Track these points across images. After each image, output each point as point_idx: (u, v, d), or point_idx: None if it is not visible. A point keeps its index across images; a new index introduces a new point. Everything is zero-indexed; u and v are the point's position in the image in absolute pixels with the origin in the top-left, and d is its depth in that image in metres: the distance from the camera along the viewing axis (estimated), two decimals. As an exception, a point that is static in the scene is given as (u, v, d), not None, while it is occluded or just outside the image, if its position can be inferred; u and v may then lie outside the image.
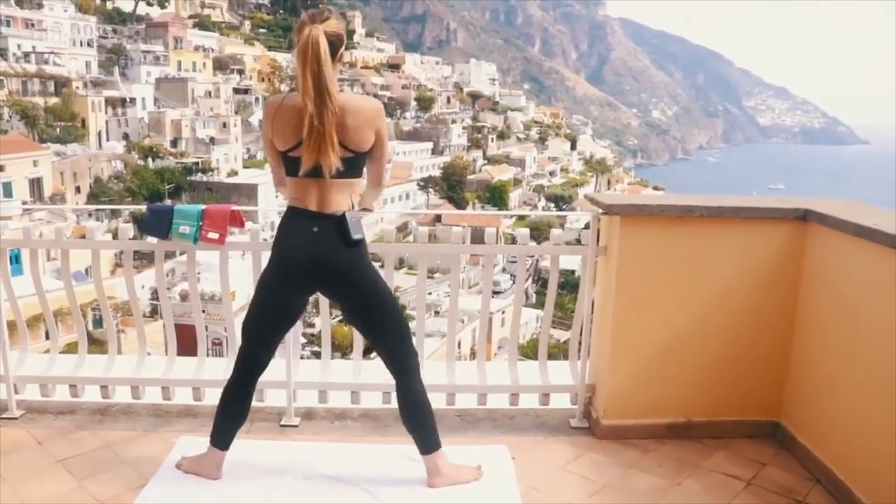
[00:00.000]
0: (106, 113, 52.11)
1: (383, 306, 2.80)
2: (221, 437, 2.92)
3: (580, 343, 3.60)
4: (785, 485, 3.05)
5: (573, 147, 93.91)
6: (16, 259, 3.47)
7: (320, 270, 2.68)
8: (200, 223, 3.33)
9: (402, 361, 2.86)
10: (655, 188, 78.65)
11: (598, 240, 3.46)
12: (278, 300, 2.77)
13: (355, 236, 2.65)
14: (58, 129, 47.95)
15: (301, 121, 2.52)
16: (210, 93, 60.75)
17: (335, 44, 2.57)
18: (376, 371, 3.24)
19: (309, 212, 2.65)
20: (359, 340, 3.56)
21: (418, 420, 2.90)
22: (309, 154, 2.54)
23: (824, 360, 3.14)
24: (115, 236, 3.57)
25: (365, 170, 2.77)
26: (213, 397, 3.48)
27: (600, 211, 3.39)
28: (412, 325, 3.16)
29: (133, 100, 54.56)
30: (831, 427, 3.07)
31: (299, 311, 2.86)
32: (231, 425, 2.92)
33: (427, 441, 2.91)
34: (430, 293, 31.94)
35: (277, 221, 2.77)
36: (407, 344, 2.87)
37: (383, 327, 2.84)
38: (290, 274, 2.71)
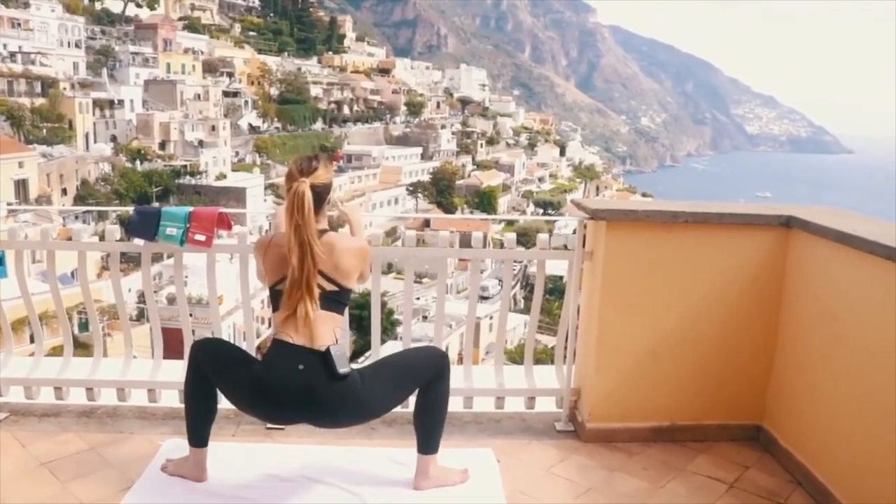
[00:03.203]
0: (93, 115, 51.76)
1: (390, 393, 2.81)
2: (195, 436, 2.91)
3: (566, 347, 3.62)
4: (767, 487, 3.08)
5: (562, 153, 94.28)
6: (1, 261, 3.45)
7: (309, 406, 2.66)
8: (187, 225, 3.33)
9: (434, 375, 2.89)
10: (644, 195, 78.94)
11: (584, 245, 3.49)
12: (232, 389, 2.78)
13: (341, 370, 2.64)
14: (44, 131, 47.59)
15: (285, 261, 2.64)
16: (199, 95, 60.52)
17: (321, 193, 2.72)
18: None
19: (294, 346, 2.65)
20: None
21: (435, 420, 2.93)
22: (289, 303, 2.63)
23: (806, 365, 3.17)
24: (101, 238, 3.57)
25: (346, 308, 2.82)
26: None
27: (586, 216, 3.42)
28: (399, 330, 3.17)
29: (121, 102, 54.26)
30: (813, 430, 3.10)
31: (237, 404, 2.88)
32: (201, 422, 2.91)
33: (432, 442, 2.93)
34: (418, 298, 31.93)
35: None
36: (431, 364, 2.90)
37: (400, 397, 2.90)
38: (267, 401, 2.67)
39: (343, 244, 2.72)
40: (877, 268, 2.66)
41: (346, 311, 2.82)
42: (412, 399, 2.96)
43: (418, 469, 2.94)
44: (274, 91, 70.91)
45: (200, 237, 3.33)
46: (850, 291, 2.89)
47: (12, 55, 50.91)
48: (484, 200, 65.10)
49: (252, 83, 70.13)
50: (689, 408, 3.46)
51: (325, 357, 2.64)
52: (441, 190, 65.78)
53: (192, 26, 75.00)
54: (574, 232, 3.51)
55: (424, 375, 2.88)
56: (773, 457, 3.32)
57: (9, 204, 34.58)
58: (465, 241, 3.65)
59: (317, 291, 2.63)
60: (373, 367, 2.86)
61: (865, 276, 2.78)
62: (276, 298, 2.73)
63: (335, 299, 2.70)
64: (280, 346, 2.68)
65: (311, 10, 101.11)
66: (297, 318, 2.65)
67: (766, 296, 3.37)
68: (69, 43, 58.26)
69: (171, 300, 20.08)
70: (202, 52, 69.63)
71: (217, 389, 2.87)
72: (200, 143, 54.48)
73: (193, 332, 3.68)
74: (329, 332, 2.68)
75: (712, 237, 3.34)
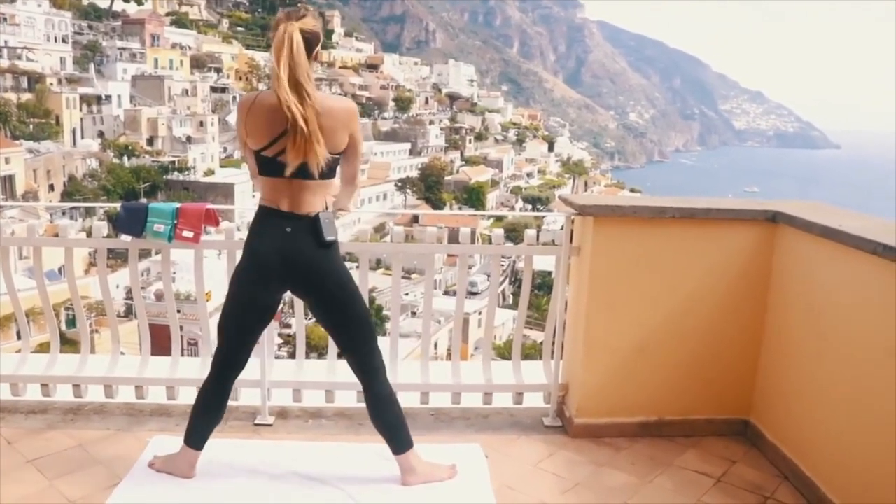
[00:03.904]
0: (81, 110, 51.42)
1: (352, 307, 2.80)
2: (196, 438, 2.91)
3: (553, 343, 3.63)
4: (754, 482, 3.10)
5: (551, 149, 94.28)
6: (-13, 257, 3.43)
7: (292, 269, 2.68)
8: (175, 221, 3.32)
9: (367, 361, 2.86)
10: (632, 190, 79.22)
11: (571, 240, 3.49)
12: (252, 299, 2.76)
13: (328, 237, 2.65)
14: (31, 126, 47.24)
15: (275, 119, 2.51)
16: (187, 91, 60.23)
17: (311, 41, 2.57)
18: (351, 370, 3.25)
19: (281, 212, 2.64)
20: (334, 340, 3.56)
21: (388, 420, 2.91)
22: (295, 154, 2.52)
23: (793, 359, 3.20)
24: (88, 234, 3.55)
25: (339, 169, 2.77)
26: (186, 396, 3.48)
27: (574, 212, 3.42)
28: (388, 325, 3.17)
29: (108, 97, 53.90)
30: (799, 425, 3.12)
31: (273, 309, 2.86)
32: (206, 426, 2.91)
33: (399, 441, 2.92)
34: (406, 294, 31.91)
35: (252, 219, 2.76)
36: (372, 345, 2.87)
37: (350, 327, 2.84)
38: (262, 272, 2.70)
39: (329, 104, 2.59)
40: (863, 263, 2.68)
41: (338, 172, 2.75)
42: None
43: (402, 467, 2.93)
44: (262, 86, 70.57)
45: (188, 233, 3.32)
46: (837, 286, 2.91)
47: (-2, 50, 50.51)
48: (473, 196, 65.13)
49: (240, 79, 69.83)
50: (677, 403, 3.48)
51: (314, 222, 2.62)
52: (430, 186, 65.76)
53: (180, 21, 74.59)
54: (562, 228, 3.52)
55: (369, 339, 2.84)
56: (760, 451, 3.34)
57: (-5, 200, 34.29)
58: (454, 237, 3.66)
59: (322, 140, 2.52)
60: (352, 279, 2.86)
61: (851, 271, 2.80)
62: (263, 164, 2.63)
63: (325, 166, 2.61)
64: (267, 211, 2.66)
65: (299, 5, 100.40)
66: (285, 185, 2.58)
67: (753, 291, 3.39)
68: (56, 38, 57.83)
69: (159, 296, 19.97)
70: (190, 48, 69.24)
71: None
72: (188, 138, 54.22)
73: (181, 328, 3.67)
74: (320, 199, 2.66)
75: (699, 232, 3.36)
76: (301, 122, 2.47)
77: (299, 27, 2.53)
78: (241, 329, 2.81)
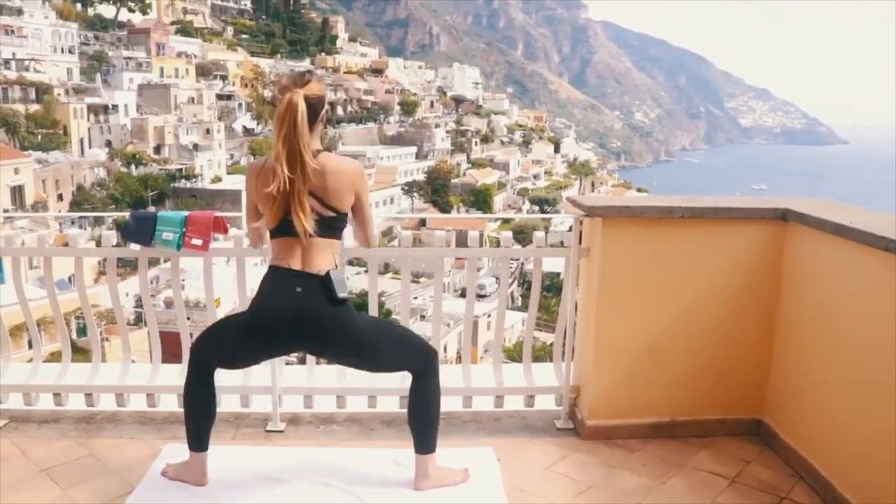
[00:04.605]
0: (88, 120, 51.65)
1: (379, 346, 2.80)
2: (195, 440, 2.91)
3: (564, 345, 3.62)
4: (768, 482, 3.08)
5: (557, 150, 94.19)
6: (-3, 268, 3.45)
7: (304, 329, 2.65)
8: (184, 229, 3.32)
9: (420, 367, 2.87)
10: (639, 190, 79.04)
11: (580, 241, 3.49)
12: (249, 353, 2.79)
13: (340, 295, 2.64)
14: (39, 137, 47.52)
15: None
16: (193, 99, 60.45)
17: (316, 107, 2.61)
18: (361, 375, 3.25)
19: (292, 271, 2.64)
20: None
21: (427, 419, 2.91)
22: (273, 216, 2.58)
23: (805, 358, 3.18)
24: (98, 244, 3.56)
25: (351, 229, 2.81)
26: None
27: (582, 213, 3.42)
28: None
29: (115, 106, 54.16)
30: (814, 424, 3.10)
31: (254, 362, 2.94)
32: (202, 425, 2.90)
33: (427, 441, 2.92)
34: (415, 297, 31.90)
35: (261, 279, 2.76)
36: (420, 354, 2.89)
37: (383, 362, 2.87)
38: (270, 333, 2.68)
39: (335, 164, 2.63)
40: (875, 260, 2.67)
41: (343, 236, 2.77)
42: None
43: (417, 470, 2.93)
44: (267, 93, 70.78)
45: (197, 241, 3.32)
46: (849, 284, 2.89)
47: (6, 62, 50.82)
48: (479, 199, 65.08)
49: (245, 86, 70.04)
50: (689, 403, 3.47)
51: (324, 281, 2.62)
52: (436, 189, 65.73)
53: (185, 30, 74.92)
54: (570, 229, 3.51)
55: (414, 357, 2.86)
56: (774, 451, 3.32)
57: (5, 210, 34.49)
58: (462, 240, 3.66)
59: (309, 207, 2.55)
60: (371, 317, 2.87)
61: (863, 268, 2.79)
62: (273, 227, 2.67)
63: (332, 225, 2.65)
64: (277, 271, 2.67)
65: (303, 11, 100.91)
66: (295, 245, 2.60)
67: (764, 289, 3.38)
68: (63, 49, 58.11)
69: (169, 304, 20.05)
70: (195, 56, 69.51)
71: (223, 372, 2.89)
72: (195, 146, 54.41)
73: (191, 335, 3.67)
74: (329, 257, 2.66)
75: (708, 231, 3.34)
76: (284, 189, 2.51)
77: (304, 94, 2.56)
78: (214, 359, 2.85)
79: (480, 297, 32.22)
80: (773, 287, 3.36)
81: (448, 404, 3.65)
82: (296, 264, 2.64)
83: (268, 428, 3.47)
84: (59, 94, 51.53)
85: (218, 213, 3.39)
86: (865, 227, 2.74)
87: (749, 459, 3.27)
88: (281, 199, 2.55)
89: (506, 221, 49.97)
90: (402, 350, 2.87)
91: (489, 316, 27.04)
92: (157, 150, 53.07)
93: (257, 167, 2.67)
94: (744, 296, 3.39)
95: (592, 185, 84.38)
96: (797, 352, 3.24)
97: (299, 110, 2.51)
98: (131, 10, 72.43)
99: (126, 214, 3.52)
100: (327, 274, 2.63)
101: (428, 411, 2.91)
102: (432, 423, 2.92)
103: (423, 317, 31.03)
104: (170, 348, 3.77)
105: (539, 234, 3.59)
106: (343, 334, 2.68)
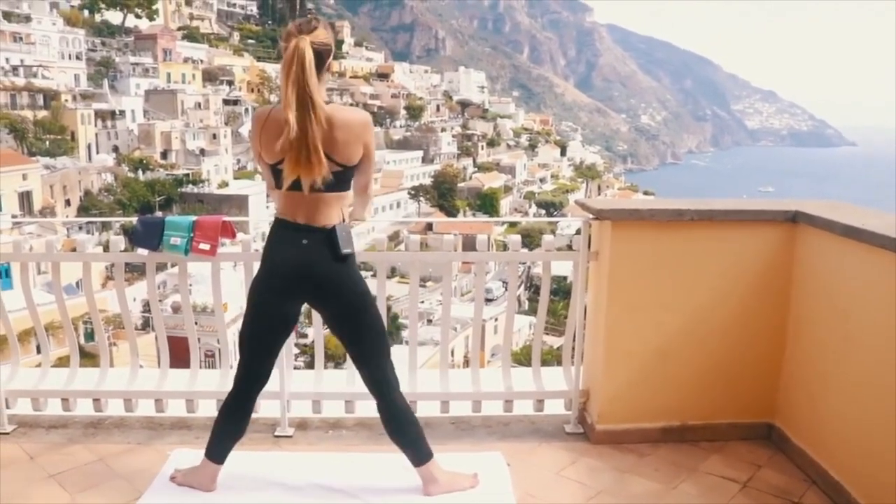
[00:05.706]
0: (95, 125, 51.82)
1: (366, 319, 2.78)
2: (217, 452, 2.90)
3: (573, 349, 3.60)
4: (780, 486, 3.06)
5: (563, 153, 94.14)
6: (6, 273, 3.46)
7: (309, 281, 2.66)
8: (191, 234, 3.32)
9: (381, 375, 2.83)
10: (646, 193, 78.82)
11: (589, 245, 3.47)
12: (272, 310, 2.75)
13: (345, 250, 2.63)
14: (47, 143, 47.70)
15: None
16: (200, 104, 60.58)
17: (322, 54, 2.54)
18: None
19: (297, 224, 2.63)
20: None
21: (405, 433, 2.89)
22: (291, 168, 2.50)
23: (817, 361, 3.15)
24: (105, 249, 3.56)
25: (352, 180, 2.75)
26: (206, 409, 3.48)
27: (591, 216, 3.40)
28: (405, 333, 3.15)
29: (122, 112, 54.33)
30: (826, 428, 3.08)
31: (293, 320, 2.85)
32: (228, 441, 2.91)
33: (418, 453, 2.90)
34: (422, 302, 31.88)
35: (268, 231, 2.75)
36: (385, 358, 2.85)
37: (363, 339, 2.82)
38: (279, 284, 2.69)
39: (343, 117, 2.56)
40: (886, 261, 2.64)
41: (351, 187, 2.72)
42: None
43: (423, 478, 2.91)
44: (274, 98, 70.89)
45: (205, 246, 3.32)
46: (860, 286, 2.87)
47: (15, 69, 51.09)
48: (486, 202, 65.09)
49: (252, 91, 70.19)
50: (700, 407, 3.44)
51: (330, 235, 2.60)
52: (443, 193, 65.74)
53: (192, 36, 75.14)
54: (578, 232, 3.50)
55: (383, 356, 2.83)
56: (786, 455, 3.29)
57: (13, 216, 34.65)
58: (469, 244, 3.64)
59: (324, 158, 2.48)
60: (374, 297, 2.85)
61: (876, 270, 2.76)
62: (276, 177, 2.62)
63: (340, 178, 2.59)
64: (283, 224, 2.65)
65: (309, 16, 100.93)
66: (302, 198, 2.56)
67: (775, 292, 3.35)
68: (70, 55, 58.40)
69: (176, 309, 20.09)
70: (202, 61, 69.73)
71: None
72: (202, 151, 54.52)
73: (199, 339, 3.67)
74: (336, 211, 2.64)
75: (718, 234, 3.32)
76: (296, 136, 2.44)
77: (311, 40, 2.50)
78: (262, 340, 2.81)
79: (488, 300, 32.23)
80: (784, 289, 3.34)
81: (457, 409, 3.65)
82: (301, 218, 2.61)
83: (276, 433, 3.46)
84: (66, 100, 51.71)
85: (225, 218, 3.38)
86: (876, 228, 2.72)
87: (761, 464, 3.24)
88: (293, 150, 2.47)
89: (512, 225, 49.96)
90: (380, 339, 2.83)
91: (496, 320, 27.01)
92: (164, 155, 53.19)
93: (263, 116, 2.60)
94: (754, 298, 3.37)
95: (599, 188, 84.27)
96: (809, 355, 3.22)
97: (306, 57, 2.46)
98: (138, 17, 72.62)
99: (134, 219, 3.52)
100: (333, 228, 2.61)
101: (405, 424, 2.88)
102: (414, 432, 2.89)
103: (429, 321, 31.05)
104: (177, 353, 3.77)
105: (548, 238, 3.57)
106: (341, 289, 2.67)
